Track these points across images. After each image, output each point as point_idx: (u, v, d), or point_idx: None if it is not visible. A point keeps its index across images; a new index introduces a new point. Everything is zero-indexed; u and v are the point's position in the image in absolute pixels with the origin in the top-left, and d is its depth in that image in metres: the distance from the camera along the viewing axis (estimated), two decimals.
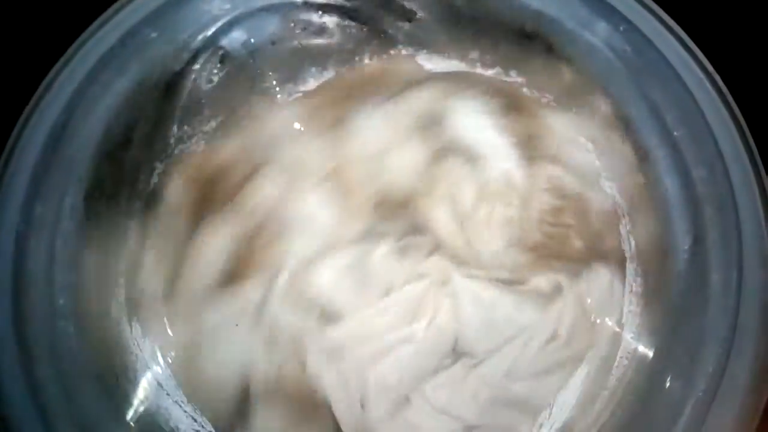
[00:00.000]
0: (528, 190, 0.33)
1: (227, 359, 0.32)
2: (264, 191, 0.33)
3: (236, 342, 0.32)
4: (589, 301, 0.33)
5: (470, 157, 0.33)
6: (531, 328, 0.32)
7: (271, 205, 0.33)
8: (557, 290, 0.33)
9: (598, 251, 0.33)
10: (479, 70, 0.34)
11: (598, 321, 0.33)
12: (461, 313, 0.32)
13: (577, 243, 0.33)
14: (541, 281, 0.33)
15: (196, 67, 0.32)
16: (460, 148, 0.33)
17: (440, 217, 0.33)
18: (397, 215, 0.33)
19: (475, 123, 0.33)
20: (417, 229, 0.33)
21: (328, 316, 0.32)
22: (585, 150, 0.34)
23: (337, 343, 0.32)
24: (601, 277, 0.33)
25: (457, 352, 0.32)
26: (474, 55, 0.34)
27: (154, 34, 0.30)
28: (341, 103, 0.34)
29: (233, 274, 0.33)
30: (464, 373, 0.32)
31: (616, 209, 0.33)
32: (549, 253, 0.33)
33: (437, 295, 0.32)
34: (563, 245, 0.33)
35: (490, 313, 0.32)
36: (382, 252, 0.32)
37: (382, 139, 0.33)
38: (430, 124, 0.33)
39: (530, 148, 0.33)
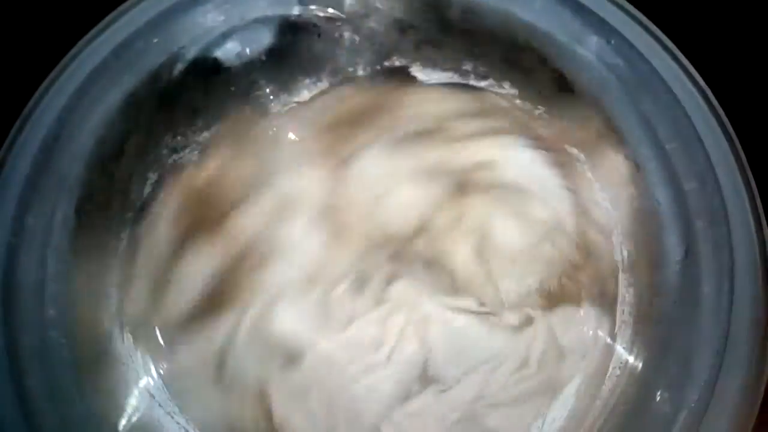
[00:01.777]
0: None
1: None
2: (254, 218, 0.32)
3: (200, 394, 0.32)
4: (582, 312, 0.33)
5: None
6: (501, 355, 0.32)
7: (258, 233, 0.32)
8: (528, 320, 0.33)
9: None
10: (472, 82, 0.34)
11: (590, 332, 0.33)
12: (429, 339, 0.32)
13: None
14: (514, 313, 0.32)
15: (190, 78, 0.32)
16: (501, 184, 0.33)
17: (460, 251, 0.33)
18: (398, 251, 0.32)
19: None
20: (428, 263, 0.32)
21: (291, 356, 0.32)
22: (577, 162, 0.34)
23: (301, 383, 0.31)
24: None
25: (426, 379, 0.32)
26: (467, 66, 0.34)
27: (147, 46, 0.30)
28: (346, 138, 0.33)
29: (211, 304, 0.32)
30: (434, 400, 0.31)
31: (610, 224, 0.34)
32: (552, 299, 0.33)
33: (400, 320, 0.32)
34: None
35: (460, 339, 0.32)
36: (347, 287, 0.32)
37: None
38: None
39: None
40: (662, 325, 0.31)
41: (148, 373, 0.33)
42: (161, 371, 0.33)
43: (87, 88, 0.29)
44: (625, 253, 0.33)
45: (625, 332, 0.33)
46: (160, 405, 0.32)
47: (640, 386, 0.31)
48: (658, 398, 0.29)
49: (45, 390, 0.28)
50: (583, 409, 0.33)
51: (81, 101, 0.29)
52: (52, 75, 0.29)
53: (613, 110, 0.31)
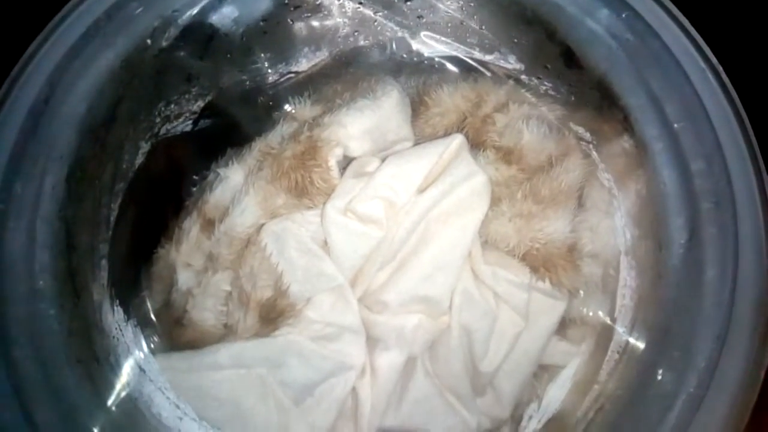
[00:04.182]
0: None
1: None
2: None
3: None
4: (582, 292, 0.32)
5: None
6: None
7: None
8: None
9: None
10: (477, 55, 0.34)
11: (591, 313, 0.33)
12: None
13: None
14: None
15: (184, 43, 0.31)
16: None
17: None
18: None
19: None
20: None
21: None
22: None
23: None
24: None
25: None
26: (472, 39, 0.33)
27: (140, 9, 0.29)
28: None
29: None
30: None
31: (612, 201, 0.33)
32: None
33: None
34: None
35: None
36: None
37: None
38: None
39: None
40: (663, 309, 0.30)
41: (138, 346, 0.32)
42: (152, 345, 0.32)
43: (78, 51, 0.28)
44: (628, 236, 0.33)
45: (625, 316, 0.32)
46: (150, 380, 0.32)
47: (639, 371, 0.31)
48: (656, 383, 0.29)
49: (34, 361, 0.28)
50: (581, 391, 0.32)
51: (72, 64, 0.28)
52: (41, 36, 0.28)
53: (621, 87, 0.30)
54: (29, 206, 0.28)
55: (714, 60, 0.28)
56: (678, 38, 0.28)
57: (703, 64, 0.28)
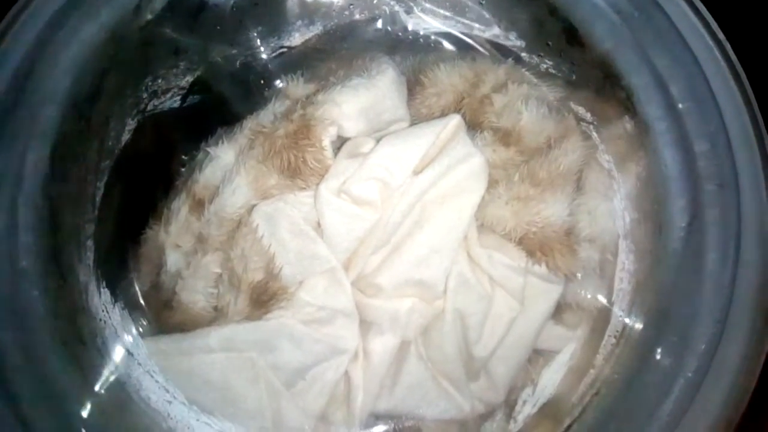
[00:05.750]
0: None
1: None
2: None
3: None
4: (579, 276, 0.32)
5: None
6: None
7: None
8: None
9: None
10: (476, 32, 0.33)
11: (588, 296, 0.32)
12: None
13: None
14: None
15: (171, 15, 0.30)
16: None
17: None
18: None
19: None
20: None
21: None
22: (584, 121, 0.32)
23: None
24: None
25: None
26: (471, 15, 0.32)
27: None
28: None
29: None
30: None
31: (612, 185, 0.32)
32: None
33: None
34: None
35: None
36: None
37: None
38: None
39: None
40: (662, 293, 0.30)
41: (126, 329, 0.32)
42: (140, 328, 0.32)
43: (61, 20, 0.27)
44: (628, 219, 0.32)
45: (622, 300, 0.32)
46: (138, 363, 0.31)
47: (637, 355, 0.30)
48: (654, 367, 0.29)
49: (18, 344, 0.27)
50: (576, 377, 0.32)
51: (55, 35, 0.27)
52: (18, 4, 0.27)
53: (625, 65, 0.30)
54: (11, 184, 0.27)
55: (722, 37, 0.27)
56: (685, 14, 0.27)
57: (710, 42, 0.27)
